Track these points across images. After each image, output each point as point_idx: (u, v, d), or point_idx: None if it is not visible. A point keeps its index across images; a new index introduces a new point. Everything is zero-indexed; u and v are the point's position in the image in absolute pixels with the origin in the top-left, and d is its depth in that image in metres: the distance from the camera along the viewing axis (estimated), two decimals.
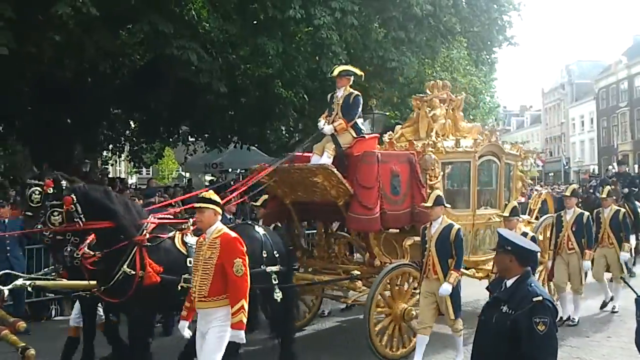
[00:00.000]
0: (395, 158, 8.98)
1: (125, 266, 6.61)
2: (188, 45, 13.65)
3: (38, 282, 7.17)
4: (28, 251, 10.88)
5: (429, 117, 10.27)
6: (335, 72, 9.01)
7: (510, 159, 10.88)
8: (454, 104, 10.72)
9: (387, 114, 22.42)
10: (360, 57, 16.97)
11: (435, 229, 8.13)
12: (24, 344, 6.03)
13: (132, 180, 38.21)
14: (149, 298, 6.68)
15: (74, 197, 6.57)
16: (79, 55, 13.94)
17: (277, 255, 7.87)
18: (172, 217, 8.19)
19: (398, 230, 9.35)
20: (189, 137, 23.93)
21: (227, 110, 18.72)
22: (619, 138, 57.31)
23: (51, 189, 6.58)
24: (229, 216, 11.57)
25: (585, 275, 10.72)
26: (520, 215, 11.63)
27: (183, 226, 7.32)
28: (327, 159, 8.57)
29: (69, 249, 6.75)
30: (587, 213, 10.72)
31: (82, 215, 6.57)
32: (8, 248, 10.37)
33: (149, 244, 6.84)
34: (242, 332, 5.82)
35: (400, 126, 11.11)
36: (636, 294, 5.47)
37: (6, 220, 10.63)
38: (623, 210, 11.53)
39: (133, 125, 23.45)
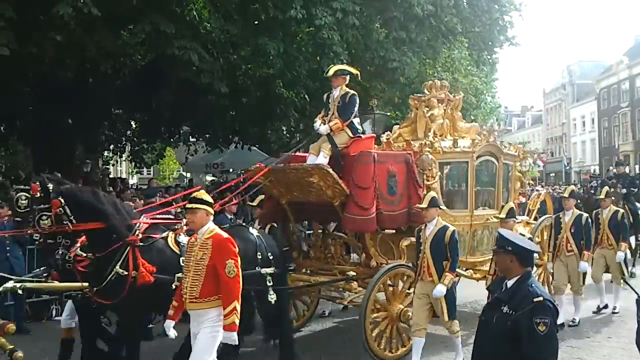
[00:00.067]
0: (392, 158, 8.93)
1: (117, 267, 6.57)
2: (189, 45, 13.68)
3: (29, 285, 7.07)
4: (29, 251, 10.90)
5: (427, 117, 10.20)
6: (331, 72, 8.97)
7: (508, 159, 10.82)
8: (452, 104, 10.66)
9: (388, 114, 22.44)
10: (361, 57, 17.00)
11: (430, 230, 8.07)
12: (12, 347, 6.00)
13: (133, 180, 38.26)
14: (143, 298, 6.64)
15: (62, 199, 6.50)
16: (80, 55, 13.95)
17: (271, 258, 7.86)
18: (172, 216, 8.22)
19: (395, 231, 9.28)
20: (190, 137, 23.96)
21: (228, 110, 18.73)
22: (620, 138, 57.22)
23: (38, 192, 6.50)
24: (229, 216, 11.61)
25: (584, 276, 10.71)
26: (520, 216, 11.69)
27: (176, 226, 7.30)
28: (323, 158, 8.52)
29: (60, 252, 6.70)
30: (585, 214, 10.68)
31: (71, 217, 6.50)
32: (8, 248, 10.35)
33: (141, 244, 6.80)
34: (235, 334, 5.79)
35: (398, 126, 11.07)
36: (637, 294, 5.48)
37: (6, 220, 10.64)
38: (622, 211, 11.49)
39: (134, 126, 23.49)
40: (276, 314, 8.00)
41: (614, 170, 18.81)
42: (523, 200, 13.52)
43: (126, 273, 6.58)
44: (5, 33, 11.21)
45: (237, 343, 5.99)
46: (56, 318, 11.30)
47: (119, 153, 26.15)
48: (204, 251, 5.86)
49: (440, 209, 8.40)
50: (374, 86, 19.89)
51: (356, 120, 8.94)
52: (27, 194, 6.58)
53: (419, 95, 10.94)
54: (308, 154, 9.07)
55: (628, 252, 12.87)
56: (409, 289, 8.67)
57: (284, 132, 23.06)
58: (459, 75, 25.59)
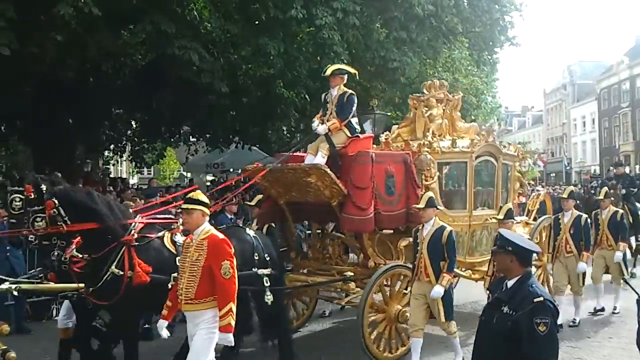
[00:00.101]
0: (390, 158, 8.91)
1: (113, 267, 6.56)
2: (190, 45, 13.66)
3: (24, 286, 7.01)
4: (29, 251, 10.90)
5: (426, 117, 10.17)
6: (328, 72, 8.92)
7: (507, 159, 10.81)
8: (451, 103, 10.63)
9: (389, 114, 22.44)
10: (361, 57, 16.99)
11: (428, 230, 8.06)
12: (5, 347, 6.05)
13: (134, 180, 38.30)
14: (139, 298, 6.62)
15: (56, 200, 6.46)
16: (81, 55, 13.93)
17: (268, 258, 7.86)
18: (173, 216, 8.22)
19: (393, 231, 9.27)
20: (191, 137, 23.94)
21: (229, 110, 18.71)
22: (621, 139, 57.21)
23: (32, 194, 6.48)
24: (229, 216, 11.63)
25: (584, 277, 10.70)
26: (519, 217, 11.69)
27: (172, 226, 7.28)
28: (321, 158, 8.50)
29: (56, 253, 6.66)
30: (585, 215, 10.67)
31: (65, 218, 6.47)
32: (8, 248, 10.37)
33: (137, 243, 6.78)
34: (231, 335, 5.77)
35: (396, 126, 11.04)
36: (637, 294, 5.48)
37: (5, 220, 10.64)
38: (621, 211, 11.46)
39: (135, 125, 23.48)
40: (273, 314, 7.98)
41: (614, 171, 18.80)
42: (524, 200, 13.54)
43: (122, 273, 6.57)
44: (6, 33, 11.20)
45: (233, 344, 5.99)
46: (57, 318, 11.30)
47: (119, 153, 26.15)
48: (199, 252, 5.84)
49: (438, 209, 8.37)
50: (375, 86, 19.87)
51: (354, 120, 8.90)
52: (21, 196, 6.56)
53: (417, 95, 10.91)
54: (306, 154, 9.05)
55: (628, 252, 12.88)
56: (406, 290, 8.64)
57: (285, 132, 23.04)
58: (460, 76, 25.55)
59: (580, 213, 10.82)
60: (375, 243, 9.01)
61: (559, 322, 9.82)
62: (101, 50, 13.75)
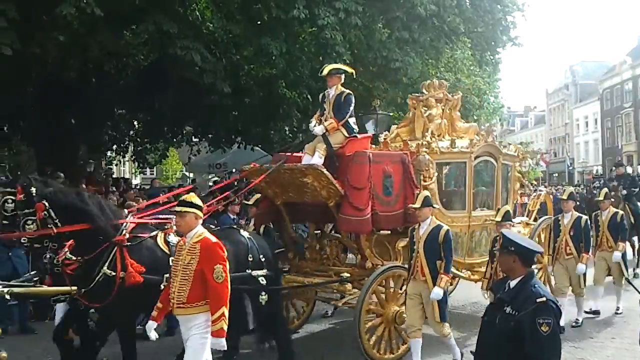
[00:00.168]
0: (387, 158, 8.86)
1: (105, 267, 6.53)
2: (192, 45, 13.65)
3: (16, 290, 6.89)
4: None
5: (425, 117, 10.14)
6: (325, 71, 8.86)
7: (507, 159, 10.77)
8: (451, 103, 10.58)
9: (391, 114, 22.43)
10: (364, 57, 16.97)
11: (424, 230, 8.02)
12: None
13: (136, 180, 38.28)
14: (132, 299, 6.60)
15: (46, 203, 6.45)
16: (83, 55, 13.97)
17: (263, 260, 7.82)
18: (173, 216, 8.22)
19: (390, 232, 9.23)
20: (193, 137, 23.93)
21: (231, 110, 18.73)
22: (624, 139, 57.12)
23: (22, 196, 6.44)
24: (232, 216, 11.63)
25: (585, 278, 10.69)
26: (519, 217, 11.69)
27: (166, 225, 7.25)
28: (318, 159, 8.44)
29: (48, 256, 6.66)
30: (585, 217, 10.62)
31: (56, 221, 6.45)
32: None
33: (129, 243, 6.75)
34: (223, 340, 5.75)
35: (395, 126, 11.01)
36: None
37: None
38: (621, 212, 11.43)
39: (137, 126, 23.52)
40: (270, 315, 7.93)
41: (615, 171, 18.79)
42: (526, 200, 13.54)
43: (114, 274, 6.54)
44: (8, 33, 11.22)
45: (225, 349, 5.96)
46: None
47: (122, 153, 26.12)
48: (191, 256, 5.81)
49: (434, 207, 8.32)
50: (377, 86, 19.86)
51: (352, 120, 8.84)
52: (13, 197, 6.51)
53: (417, 94, 10.88)
54: (303, 154, 8.99)
55: (630, 252, 12.86)
56: (400, 289, 8.61)
57: (287, 132, 23.01)
58: (462, 76, 25.51)
59: (580, 214, 10.78)
60: (372, 244, 8.96)
61: (561, 323, 9.96)
62: (103, 50, 13.78)
